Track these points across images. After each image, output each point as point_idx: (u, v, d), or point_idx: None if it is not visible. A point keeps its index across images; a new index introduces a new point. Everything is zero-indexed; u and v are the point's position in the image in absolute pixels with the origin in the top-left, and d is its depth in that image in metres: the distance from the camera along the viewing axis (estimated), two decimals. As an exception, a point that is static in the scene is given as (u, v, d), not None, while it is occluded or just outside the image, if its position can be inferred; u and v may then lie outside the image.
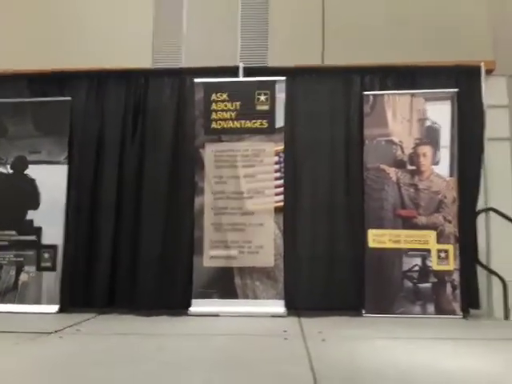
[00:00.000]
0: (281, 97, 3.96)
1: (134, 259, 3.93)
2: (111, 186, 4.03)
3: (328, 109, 4.08)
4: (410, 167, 3.88)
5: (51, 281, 3.87)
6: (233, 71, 4.19)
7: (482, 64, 4.12)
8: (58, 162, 4.01)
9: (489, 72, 4.27)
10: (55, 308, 3.78)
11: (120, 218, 4.01)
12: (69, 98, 4.11)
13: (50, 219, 3.92)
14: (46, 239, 3.93)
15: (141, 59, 4.47)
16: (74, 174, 4.02)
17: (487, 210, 3.98)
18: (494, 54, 4.36)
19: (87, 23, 4.62)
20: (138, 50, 4.53)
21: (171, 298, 3.84)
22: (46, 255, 3.91)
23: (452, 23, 4.40)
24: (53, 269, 3.89)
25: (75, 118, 4.12)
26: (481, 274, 3.92)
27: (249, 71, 4.19)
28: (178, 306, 3.76)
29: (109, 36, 4.54)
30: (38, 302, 3.84)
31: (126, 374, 2.14)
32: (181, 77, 4.20)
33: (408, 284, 3.74)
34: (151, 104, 4.14)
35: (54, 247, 3.91)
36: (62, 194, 3.95)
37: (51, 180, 3.96)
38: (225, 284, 3.80)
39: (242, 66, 4.21)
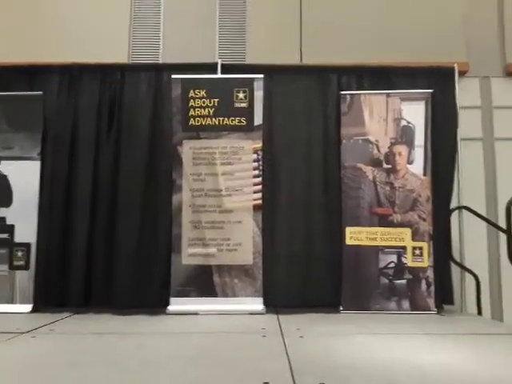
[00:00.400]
0: (259, 94, 3.96)
1: (110, 257, 3.86)
2: (86, 183, 3.95)
3: (306, 107, 4.11)
4: (385, 166, 3.94)
5: (24, 280, 3.77)
6: (211, 68, 4.17)
7: (456, 65, 4.22)
8: (30, 158, 3.91)
9: (462, 73, 4.38)
10: (28, 307, 3.69)
11: (95, 215, 3.93)
12: (40, 93, 4.00)
13: (22, 217, 3.82)
14: (19, 237, 3.83)
15: (117, 54, 4.40)
16: (48, 170, 3.92)
17: (460, 208, 4.08)
18: (468, 55, 4.48)
19: (60, 15, 4.52)
20: (114, 44, 4.45)
21: (149, 297, 3.79)
22: (19, 253, 3.81)
23: (427, 25, 4.49)
24: (26, 267, 3.79)
25: (48, 114, 4.02)
26: (454, 270, 4.02)
27: (227, 68, 4.18)
28: (156, 305, 3.73)
29: (83, 29, 4.46)
30: (10, 301, 3.74)
31: (102, 373, 2.10)
32: (158, 72, 4.15)
33: (384, 281, 3.81)
34: (127, 100, 4.07)
35: (27, 245, 3.81)
36: (35, 191, 3.85)
37: (24, 176, 3.85)
38: (203, 282, 3.78)
39: (220, 62, 4.21)
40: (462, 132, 4.17)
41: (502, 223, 3.49)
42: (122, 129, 4.03)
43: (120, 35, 4.52)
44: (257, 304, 3.71)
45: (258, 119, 3.94)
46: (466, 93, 4.34)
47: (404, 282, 3.79)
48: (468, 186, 4.17)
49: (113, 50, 4.41)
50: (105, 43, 4.41)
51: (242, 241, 3.83)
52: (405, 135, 3.95)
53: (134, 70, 4.20)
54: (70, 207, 3.94)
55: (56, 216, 3.90)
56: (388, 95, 4.00)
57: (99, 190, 3.97)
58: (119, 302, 3.74)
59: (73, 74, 4.15)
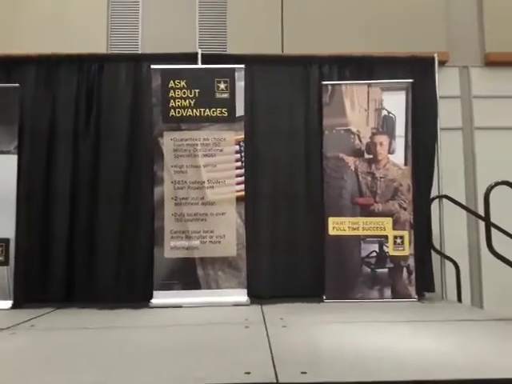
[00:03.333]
0: (240, 85, 3.92)
1: (91, 251, 3.83)
2: (65, 176, 3.89)
3: (287, 98, 4.10)
4: (367, 156, 3.96)
5: (4, 276, 3.70)
6: (191, 58, 4.11)
7: (436, 55, 4.24)
8: (8, 152, 3.81)
9: (442, 63, 4.41)
10: (9, 304, 3.63)
11: (76, 209, 3.88)
12: (17, 85, 3.89)
13: (0, 212, 3.72)
14: (-3, 233, 3.76)
15: (95, 44, 4.33)
16: (25, 164, 3.84)
17: (440, 197, 4.13)
18: (447, 45, 4.51)
19: (37, 5, 4.42)
20: (91, 34, 4.38)
21: (132, 290, 3.79)
22: (-2, 249, 3.74)
23: (407, 15, 4.52)
24: (5, 263, 3.71)
25: (25, 106, 3.92)
26: (435, 258, 4.08)
27: (207, 58, 4.13)
28: (140, 299, 3.70)
29: (61, 20, 4.37)
30: (-11, 298, 3.68)
31: (82, 367, 2.08)
32: (137, 63, 4.08)
33: (366, 270, 3.85)
34: (106, 91, 4.01)
35: (5, 241, 3.73)
36: (12, 186, 3.75)
37: (1, 171, 3.76)
38: (187, 275, 3.76)
39: (200, 52, 4.15)
40: (441, 121, 4.21)
41: (482, 211, 3.54)
42: (101, 120, 3.98)
43: (98, 25, 4.44)
44: (241, 295, 3.71)
45: (240, 110, 3.91)
46: (445, 82, 4.38)
47: (386, 270, 3.83)
48: (448, 175, 4.22)
49: (91, 41, 4.33)
50: (82, 34, 4.34)
51: (226, 233, 3.82)
52: (386, 125, 3.97)
53: (112, 61, 4.11)
54: (50, 201, 3.88)
55: (35, 211, 3.85)
56: (369, 85, 4.01)
57: (79, 183, 3.92)
58: (101, 296, 3.72)
59: (50, 66, 4.06)
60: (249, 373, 1.91)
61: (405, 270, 3.82)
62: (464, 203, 4.17)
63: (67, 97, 4.00)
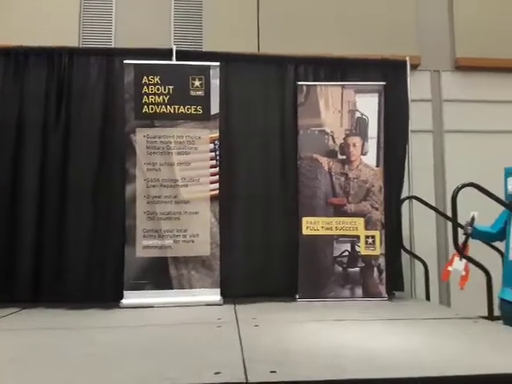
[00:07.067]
0: (215, 83, 3.89)
1: (60, 250, 3.71)
2: (33, 172, 3.75)
3: (263, 97, 4.08)
4: (340, 157, 4.00)
5: (-33, 275, 3.58)
6: (165, 54, 4.05)
7: (408, 59, 4.33)
8: (-27, 147, 3.69)
9: (414, 67, 4.51)
10: (-28, 304, 3.50)
11: (44, 206, 3.75)
12: (-16, 78, 3.78)
13: (-36, 209, 3.61)
14: (-39, 231, 3.62)
15: (66, 37, 4.22)
16: (-9, 159, 3.73)
17: (410, 198, 4.21)
18: (419, 49, 4.61)
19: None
20: (63, 27, 4.27)
21: (102, 290, 3.69)
22: (-39, 248, 3.60)
23: (381, 19, 4.60)
24: (-31, 262, 3.59)
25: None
26: (404, 258, 4.16)
27: (182, 54, 4.07)
28: (110, 299, 3.62)
29: (30, 10, 4.24)
30: (-48, 298, 3.53)
31: (49, 368, 2.03)
32: (109, 57, 3.97)
33: (338, 269, 3.89)
34: (77, 85, 3.89)
35: (-31, 239, 3.61)
36: (-23, 182, 3.65)
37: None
38: (159, 274, 3.70)
39: (175, 48, 4.10)
40: (412, 124, 4.29)
41: (450, 212, 3.63)
42: (72, 116, 3.85)
43: (69, 18, 4.34)
44: (214, 295, 3.69)
45: (215, 108, 3.87)
46: (417, 86, 4.47)
47: (357, 269, 3.88)
48: (418, 177, 4.31)
49: (62, 33, 4.22)
50: (53, 26, 4.22)
51: (199, 232, 3.78)
52: (359, 127, 4.02)
53: (83, 54, 3.99)
54: (17, 198, 3.75)
55: (1, 207, 3.71)
56: (343, 87, 4.05)
57: (47, 179, 3.79)
58: (70, 295, 3.62)
59: (18, 58, 3.91)
60: (219, 373, 1.90)
61: (375, 269, 3.88)
62: (433, 204, 4.27)
63: (36, 91, 3.86)
